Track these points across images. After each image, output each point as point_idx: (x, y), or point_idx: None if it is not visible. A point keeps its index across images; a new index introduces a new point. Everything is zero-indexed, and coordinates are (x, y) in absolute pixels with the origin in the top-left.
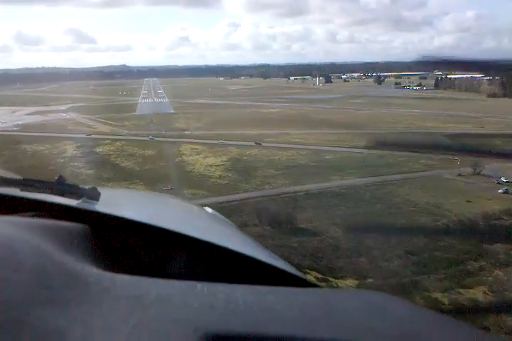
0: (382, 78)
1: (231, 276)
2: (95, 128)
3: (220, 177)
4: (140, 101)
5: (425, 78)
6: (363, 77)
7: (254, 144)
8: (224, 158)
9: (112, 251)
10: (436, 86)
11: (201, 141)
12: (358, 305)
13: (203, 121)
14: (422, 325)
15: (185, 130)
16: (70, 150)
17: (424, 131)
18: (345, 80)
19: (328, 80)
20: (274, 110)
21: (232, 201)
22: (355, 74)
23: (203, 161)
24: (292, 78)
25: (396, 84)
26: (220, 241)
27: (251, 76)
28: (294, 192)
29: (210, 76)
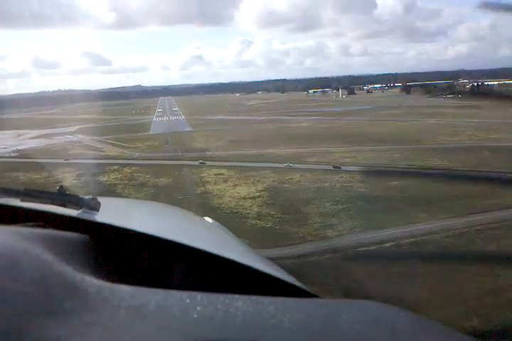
0: (408, 88)
1: (231, 286)
2: (103, 152)
3: (259, 216)
4: (155, 119)
5: (454, 86)
6: (386, 88)
7: (291, 166)
8: (259, 187)
9: (111, 261)
10: (473, 94)
11: (226, 163)
12: (358, 316)
13: (224, 139)
14: (422, 335)
15: (205, 150)
16: (69, 178)
17: (495, 145)
18: (368, 91)
19: (351, 92)
20: (303, 124)
21: (287, 258)
22: (377, 85)
23: (233, 192)
24: (311, 91)
25: (427, 92)
26: (220, 251)
27: (268, 91)
28: (376, 242)
29: (225, 93)
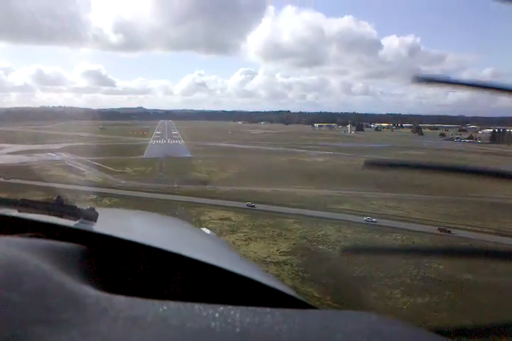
0: (420, 129)
1: (229, 298)
2: (83, 175)
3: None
4: (151, 142)
5: (465, 130)
6: (393, 127)
7: (323, 214)
8: (283, 243)
9: (109, 272)
10: (493, 140)
11: (233, 203)
12: (356, 327)
13: (229, 170)
14: None
15: (206, 182)
16: None
17: None
18: (377, 129)
19: (359, 128)
20: (318, 159)
21: None
22: (384, 124)
23: (246, 250)
24: (316, 125)
25: (441, 135)
26: (218, 262)
27: (271, 121)
28: None
29: (227, 120)
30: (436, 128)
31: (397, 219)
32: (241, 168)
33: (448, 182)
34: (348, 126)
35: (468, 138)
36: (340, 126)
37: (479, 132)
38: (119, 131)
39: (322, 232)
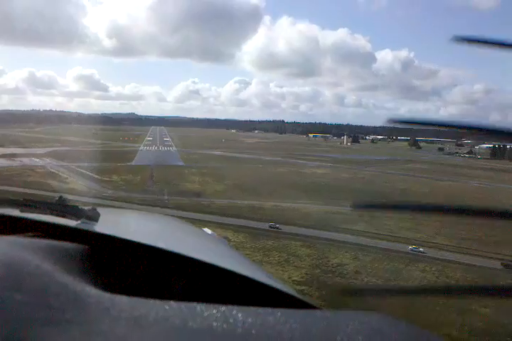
0: (417, 142)
1: (231, 298)
2: (65, 183)
3: None
4: (141, 148)
5: (462, 145)
6: (388, 140)
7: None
8: (294, 272)
9: (111, 272)
10: (493, 155)
11: (231, 220)
12: (359, 327)
13: (225, 180)
14: None
15: (200, 195)
16: None
17: None
18: (373, 141)
19: (355, 140)
20: (319, 171)
21: None
22: (379, 136)
23: None
24: (311, 135)
25: (440, 149)
26: (220, 262)
27: (265, 130)
28: None
29: (220, 128)
30: (433, 142)
31: (422, 244)
32: (237, 179)
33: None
34: (344, 137)
35: (467, 153)
36: (335, 137)
37: (475, 147)
38: (110, 136)
39: (337, 260)
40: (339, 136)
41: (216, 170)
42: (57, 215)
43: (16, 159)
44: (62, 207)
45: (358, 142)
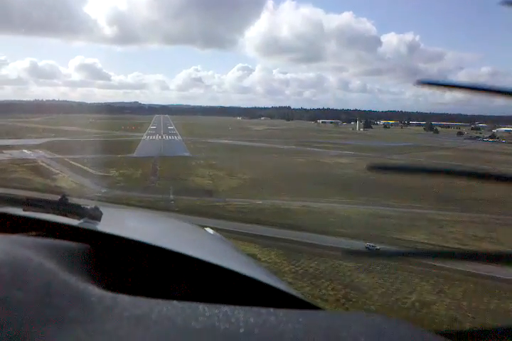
0: (434, 127)
1: (233, 298)
2: (53, 180)
3: None
4: (144, 137)
5: (479, 129)
6: (400, 124)
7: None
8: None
9: (113, 271)
10: None
11: (256, 229)
12: (360, 328)
13: (238, 174)
14: None
15: (211, 193)
16: None
17: None
18: (385, 126)
19: (367, 125)
20: (342, 161)
21: None
22: (391, 121)
23: None
24: (320, 121)
25: (459, 134)
26: (222, 262)
27: (272, 117)
28: None
29: (225, 116)
30: (447, 127)
31: None
32: (253, 172)
33: None
34: (356, 122)
35: (490, 138)
36: (344, 123)
37: (493, 131)
38: (111, 125)
39: (415, 297)
40: (348, 121)
41: (227, 161)
42: (60, 214)
43: (5, 152)
44: (64, 206)
45: (371, 127)
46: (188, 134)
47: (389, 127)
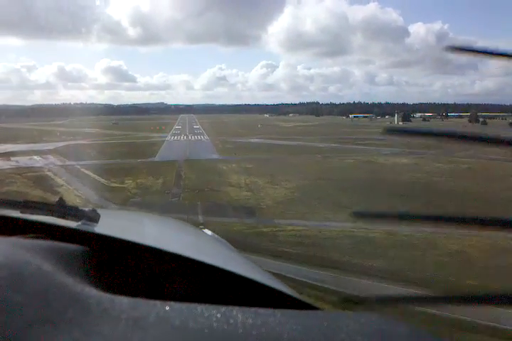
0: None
1: (231, 299)
2: (54, 193)
3: None
4: (168, 138)
5: None
6: (439, 117)
7: None
8: None
9: (111, 273)
10: None
11: (338, 281)
12: (359, 328)
13: (282, 181)
14: None
15: (253, 211)
16: None
17: None
18: (424, 119)
19: (406, 118)
20: (401, 161)
21: None
22: (428, 114)
23: None
24: (352, 116)
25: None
26: (220, 263)
27: (300, 113)
28: None
29: (251, 114)
30: (492, 117)
31: None
32: (298, 178)
33: None
34: (395, 116)
35: None
36: (378, 117)
37: None
38: (135, 126)
39: None
40: (382, 115)
41: (264, 164)
42: (58, 216)
43: (12, 158)
44: (62, 208)
45: (410, 121)
46: (215, 133)
47: (428, 120)
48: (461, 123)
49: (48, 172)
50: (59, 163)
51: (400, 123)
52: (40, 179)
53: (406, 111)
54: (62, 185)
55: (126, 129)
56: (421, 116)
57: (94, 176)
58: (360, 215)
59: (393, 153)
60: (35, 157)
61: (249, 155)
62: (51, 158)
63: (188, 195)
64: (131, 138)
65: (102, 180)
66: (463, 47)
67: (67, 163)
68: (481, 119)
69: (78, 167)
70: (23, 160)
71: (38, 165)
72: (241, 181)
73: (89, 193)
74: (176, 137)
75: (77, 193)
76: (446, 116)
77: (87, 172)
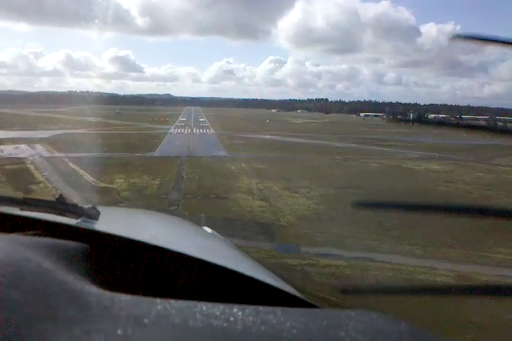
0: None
1: (231, 296)
2: (28, 193)
3: None
4: (172, 131)
5: None
6: (452, 119)
7: None
8: None
9: (111, 270)
10: None
11: None
12: (358, 326)
13: (302, 187)
14: None
15: (273, 233)
16: None
17: None
18: None
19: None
20: (434, 167)
21: None
22: (441, 115)
23: None
24: (362, 114)
25: None
26: (220, 260)
27: (308, 110)
28: None
29: (258, 108)
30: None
31: None
32: (322, 184)
33: None
34: (410, 115)
35: None
36: (390, 117)
37: None
38: (139, 116)
39: None
40: (393, 114)
41: (278, 165)
42: (58, 214)
43: None
44: (62, 206)
45: None
46: (222, 127)
47: None
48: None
49: (29, 165)
50: (46, 154)
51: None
52: (17, 173)
53: (419, 111)
54: (39, 182)
55: (128, 119)
56: (434, 118)
57: (82, 172)
58: (360, 206)
59: (422, 158)
60: (23, 146)
61: (261, 153)
62: (39, 148)
63: (190, 202)
64: (131, 129)
65: (89, 178)
66: (470, 36)
67: (56, 154)
68: (499, 123)
69: (66, 160)
70: (8, 150)
71: (22, 155)
72: (253, 186)
73: (70, 194)
74: (179, 130)
75: (54, 193)
76: (460, 119)
77: (74, 166)
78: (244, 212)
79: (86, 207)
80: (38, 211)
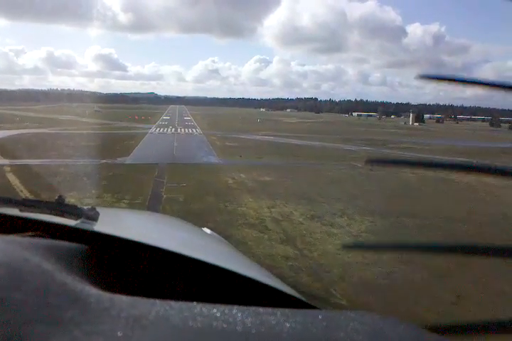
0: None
1: (230, 297)
2: None
3: None
4: (152, 130)
5: None
6: (448, 120)
7: None
8: None
9: (110, 272)
10: None
11: None
12: (358, 327)
13: (338, 217)
14: None
15: (295, 281)
16: None
17: None
18: (438, 121)
19: (420, 119)
20: (486, 179)
21: None
22: (437, 115)
23: None
24: (355, 114)
25: None
26: (219, 261)
27: (298, 109)
28: None
29: (245, 108)
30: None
31: None
32: (364, 210)
33: None
34: (410, 115)
35: None
36: (383, 116)
37: None
38: (118, 115)
39: None
40: (387, 114)
41: (290, 175)
42: (57, 215)
43: None
44: (61, 207)
45: (423, 122)
46: (210, 127)
47: (442, 122)
48: (479, 125)
49: None
50: None
51: (416, 123)
52: None
53: (419, 111)
54: None
55: (105, 118)
56: (430, 117)
57: (20, 188)
58: (372, 162)
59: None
60: None
61: (260, 158)
62: None
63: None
64: (108, 128)
65: (28, 197)
66: (433, 76)
67: (1, 161)
68: (506, 124)
69: (8, 169)
70: None
71: None
72: (263, 212)
73: None
74: (161, 129)
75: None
76: (455, 119)
77: (12, 178)
78: (253, 253)
79: (85, 208)
80: (37, 212)
